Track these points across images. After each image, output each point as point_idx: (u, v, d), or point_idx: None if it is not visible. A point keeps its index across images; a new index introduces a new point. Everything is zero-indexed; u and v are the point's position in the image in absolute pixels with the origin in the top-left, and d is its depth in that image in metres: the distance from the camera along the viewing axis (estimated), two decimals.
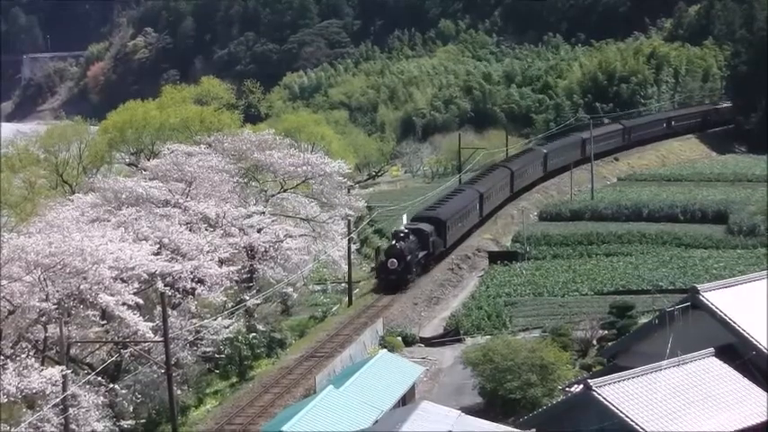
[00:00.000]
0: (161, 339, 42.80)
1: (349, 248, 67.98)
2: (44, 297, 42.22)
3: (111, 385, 44.18)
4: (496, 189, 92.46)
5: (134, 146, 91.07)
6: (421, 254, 72.05)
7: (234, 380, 55.03)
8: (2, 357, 41.02)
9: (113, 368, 45.96)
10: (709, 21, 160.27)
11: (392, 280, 69.06)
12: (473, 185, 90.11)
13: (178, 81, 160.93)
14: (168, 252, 50.66)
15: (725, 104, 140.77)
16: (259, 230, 59.33)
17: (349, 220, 68.65)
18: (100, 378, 43.56)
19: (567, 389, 40.69)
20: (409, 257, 69.49)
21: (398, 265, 68.83)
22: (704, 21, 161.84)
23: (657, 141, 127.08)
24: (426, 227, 73.62)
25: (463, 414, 40.08)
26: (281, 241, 60.34)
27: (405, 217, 79.54)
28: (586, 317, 58.53)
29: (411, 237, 70.78)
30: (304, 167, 65.65)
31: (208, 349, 51.07)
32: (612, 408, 32.75)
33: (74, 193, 70.85)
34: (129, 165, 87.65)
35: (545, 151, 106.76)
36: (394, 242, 69.92)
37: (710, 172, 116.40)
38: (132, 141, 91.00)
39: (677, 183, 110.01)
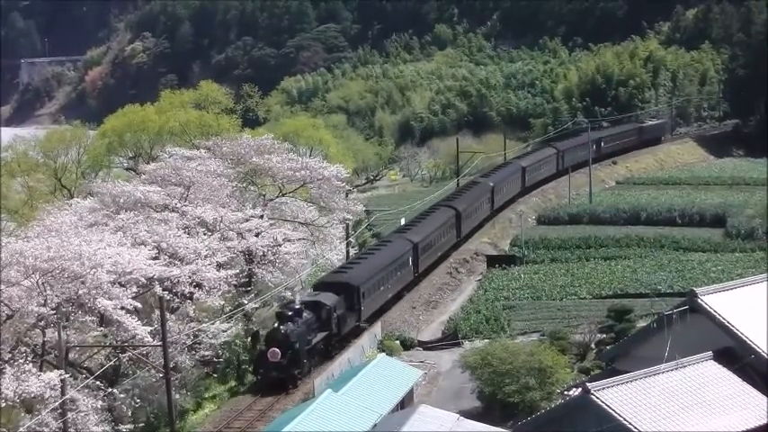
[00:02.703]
0: (159, 343, 42.79)
1: (347, 252, 67.91)
2: (42, 301, 42.17)
3: (110, 389, 44.13)
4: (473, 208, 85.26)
5: (132, 150, 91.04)
6: (318, 336, 54.83)
7: (232, 384, 55.01)
8: (0, 362, 40.99)
9: (112, 372, 45.93)
10: (707, 24, 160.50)
11: (274, 377, 51.61)
12: (450, 202, 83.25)
13: (176, 85, 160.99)
14: (166, 256, 50.63)
15: (654, 121, 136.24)
16: (257, 234, 59.31)
17: (347, 224, 68.62)
18: (98, 382, 43.52)
19: (565, 392, 40.69)
20: (298, 345, 52.01)
21: (282, 357, 51.30)
22: (702, 24, 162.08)
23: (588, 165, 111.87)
24: (328, 299, 56.53)
25: (461, 418, 40.16)
26: (280, 245, 60.31)
27: (402, 220, 79.59)
28: (585, 320, 58.58)
29: (304, 314, 53.66)
30: (302, 172, 65.58)
31: (206, 353, 51.04)
32: (611, 411, 32.74)
33: (72, 197, 70.80)
34: (127, 169, 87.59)
35: (491, 184, 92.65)
36: (277, 324, 52.37)
37: (708, 175, 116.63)
38: (131, 145, 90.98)
39: (675, 186, 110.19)
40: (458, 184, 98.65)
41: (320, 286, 58.70)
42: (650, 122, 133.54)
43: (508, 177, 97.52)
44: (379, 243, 72.15)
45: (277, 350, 51.17)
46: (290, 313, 52.71)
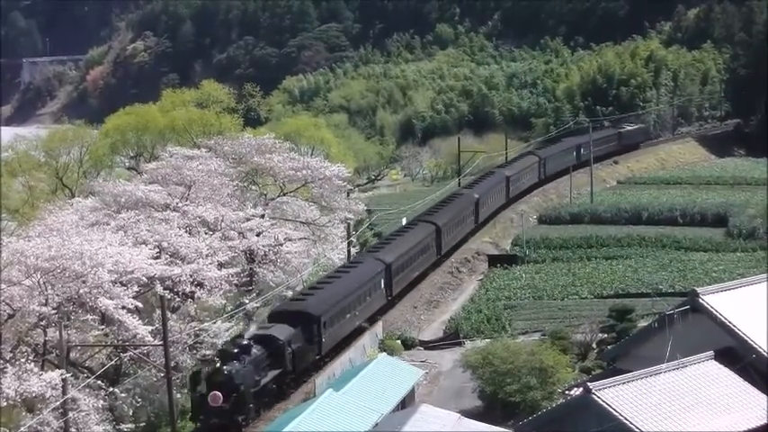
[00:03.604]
0: (160, 343, 42.78)
1: (349, 252, 67.89)
2: (44, 301, 42.19)
3: (111, 389, 44.15)
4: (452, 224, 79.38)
5: (134, 149, 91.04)
6: (269, 376, 48.30)
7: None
8: (1, 361, 41.01)
9: (113, 372, 45.94)
10: (709, 24, 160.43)
11: (215, 425, 44.58)
12: (428, 217, 77.31)
13: (178, 85, 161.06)
14: (167, 256, 50.67)
15: (633, 126, 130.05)
16: (258, 234, 59.34)
17: (348, 224, 68.59)
18: (99, 382, 43.53)
19: (566, 392, 40.67)
20: (243, 387, 45.10)
21: (224, 402, 44.22)
22: (703, 24, 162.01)
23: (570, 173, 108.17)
24: (282, 332, 49.78)
25: (463, 417, 40.15)
26: (281, 245, 60.34)
27: (404, 219, 79.51)
28: (586, 320, 58.56)
29: (253, 351, 47.02)
30: (304, 171, 65.64)
31: (207, 352, 50.92)
32: (612, 411, 32.73)
33: (74, 196, 70.80)
34: (128, 168, 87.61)
35: (476, 196, 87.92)
36: (219, 364, 45.16)
37: (710, 175, 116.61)
38: (133, 144, 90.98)
39: (677, 186, 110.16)
40: (459, 184, 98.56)
41: (275, 317, 51.91)
42: (629, 128, 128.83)
43: (493, 188, 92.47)
44: (347, 264, 63.86)
45: (218, 394, 44.05)
46: (235, 351, 45.81)
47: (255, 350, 47.13)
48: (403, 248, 68.47)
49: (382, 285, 63.78)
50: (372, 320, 61.78)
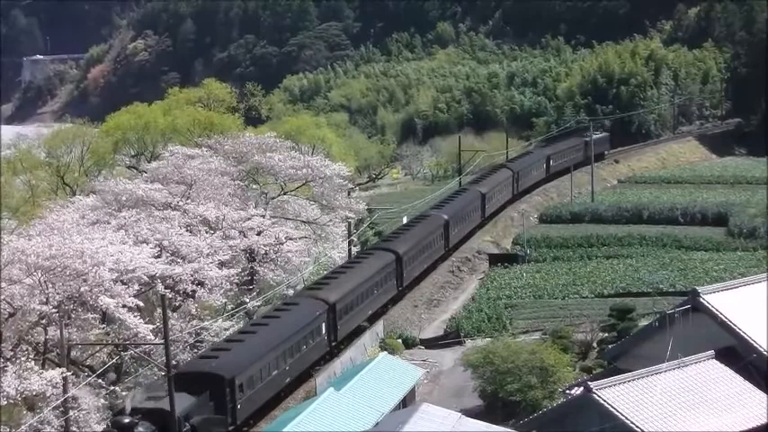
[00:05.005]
0: (161, 342, 42.72)
1: (350, 251, 67.93)
2: (44, 300, 42.21)
3: (112, 387, 44.16)
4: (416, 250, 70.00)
5: (135, 148, 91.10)
6: None
7: None
8: (2, 360, 41.02)
9: (114, 370, 45.96)
10: (709, 23, 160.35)
11: None
12: (390, 243, 68.35)
13: (178, 83, 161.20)
14: (168, 254, 50.70)
15: (597, 135, 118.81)
16: (259, 233, 59.37)
17: (349, 223, 68.61)
18: (100, 380, 43.55)
19: (567, 391, 40.69)
20: None
21: None
22: (704, 23, 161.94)
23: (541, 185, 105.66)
24: (181, 401, 40.38)
25: (463, 416, 40.11)
26: (282, 244, 60.36)
27: (405, 218, 79.46)
28: (587, 319, 58.55)
29: (139, 429, 38.81)
30: (304, 170, 65.71)
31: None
32: (613, 410, 32.76)
33: (75, 195, 70.85)
34: (129, 167, 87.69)
35: (445, 217, 77.73)
36: None
37: (711, 174, 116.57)
38: (134, 143, 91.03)
39: (677, 185, 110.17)
40: (460, 183, 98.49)
41: (178, 381, 40.92)
42: (594, 136, 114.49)
43: (466, 207, 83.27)
44: (281, 306, 54.61)
45: None
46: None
47: (142, 427, 38.72)
48: (352, 283, 58.56)
49: (323, 331, 53.83)
50: (308, 372, 52.39)
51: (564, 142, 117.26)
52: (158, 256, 49.24)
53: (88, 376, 43.30)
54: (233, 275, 52.59)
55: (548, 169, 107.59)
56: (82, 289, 43.28)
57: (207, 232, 55.17)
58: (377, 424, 41.32)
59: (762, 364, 35.83)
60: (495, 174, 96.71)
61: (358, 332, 58.80)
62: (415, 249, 69.47)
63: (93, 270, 43.52)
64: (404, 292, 67.89)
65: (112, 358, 44.91)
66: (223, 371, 44.08)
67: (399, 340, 60.70)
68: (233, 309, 54.18)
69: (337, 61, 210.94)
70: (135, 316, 44.73)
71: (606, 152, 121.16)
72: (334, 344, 55.52)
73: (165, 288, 47.20)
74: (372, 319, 61.37)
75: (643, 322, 52.60)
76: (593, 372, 48.72)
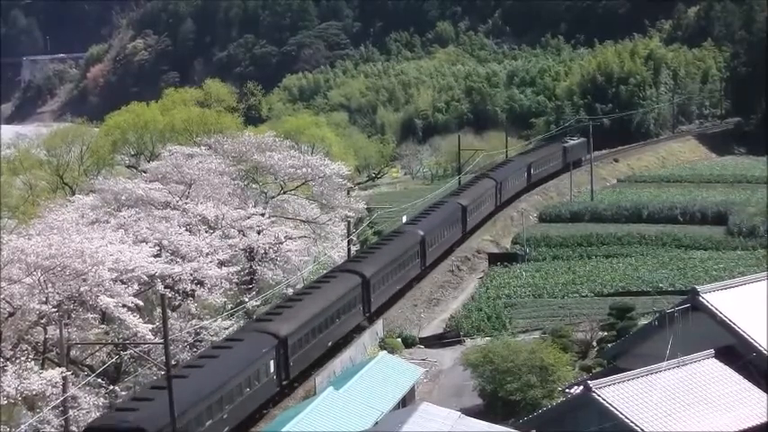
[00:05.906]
0: (161, 341, 42.71)
1: (349, 250, 67.90)
2: (44, 299, 42.21)
3: (111, 387, 44.17)
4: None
5: (135, 148, 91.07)
6: None
7: None
8: (2, 359, 41.02)
9: (113, 370, 45.96)
10: (709, 22, 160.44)
11: None
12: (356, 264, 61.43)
13: (178, 83, 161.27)
14: (168, 254, 50.71)
15: (575, 140, 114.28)
16: (259, 232, 59.37)
17: (349, 222, 68.59)
18: (100, 380, 43.55)
19: (566, 390, 40.70)
20: None
21: None
22: (703, 22, 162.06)
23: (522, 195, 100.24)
24: None
25: (463, 415, 40.09)
26: (281, 243, 60.36)
27: (404, 218, 79.46)
28: (586, 318, 58.54)
29: None
30: (304, 169, 65.70)
31: None
32: (612, 409, 32.76)
33: (74, 194, 70.84)
34: (128, 167, 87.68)
35: (421, 233, 71.14)
36: None
37: (710, 173, 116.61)
38: (134, 143, 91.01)
39: (677, 184, 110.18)
40: (459, 182, 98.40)
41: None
42: (572, 142, 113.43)
43: (445, 221, 76.78)
44: (221, 343, 47.86)
45: None
46: None
47: None
48: (309, 312, 52.68)
49: (270, 369, 47.65)
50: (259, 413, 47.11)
51: (544, 149, 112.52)
52: (158, 256, 49.25)
53: (88, 376, 43.30)
54: (232, 275, 52.59)
55: (528, 177, 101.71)
56: (81, 288, 43.29)
57: (206, 231, 55.16)
58: (376, 423, 41.31)
59: (761, 363, 35.84)
60: (476, 184, 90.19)
61: (316, 366, 52.18)
62: (386, 270, 63.17)
63: (93, 269, 43.52)
64: (372, 318, 60.89)
65: (112, 358, 44.91)
66: (146, 423, 37.77)
67: (399, 339, 60.68)
68: (232, 308, 54.16)
69: (337, 61, 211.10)
70: (134, 315, 44.74)
71: (583, 158, 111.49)
72: (283, 383, 49.17)
73: (165, 287, 47.20)
74: (334, 351, 54.39)
75: (642, 321, 52.63)
76: (593, 371, 48.72)
